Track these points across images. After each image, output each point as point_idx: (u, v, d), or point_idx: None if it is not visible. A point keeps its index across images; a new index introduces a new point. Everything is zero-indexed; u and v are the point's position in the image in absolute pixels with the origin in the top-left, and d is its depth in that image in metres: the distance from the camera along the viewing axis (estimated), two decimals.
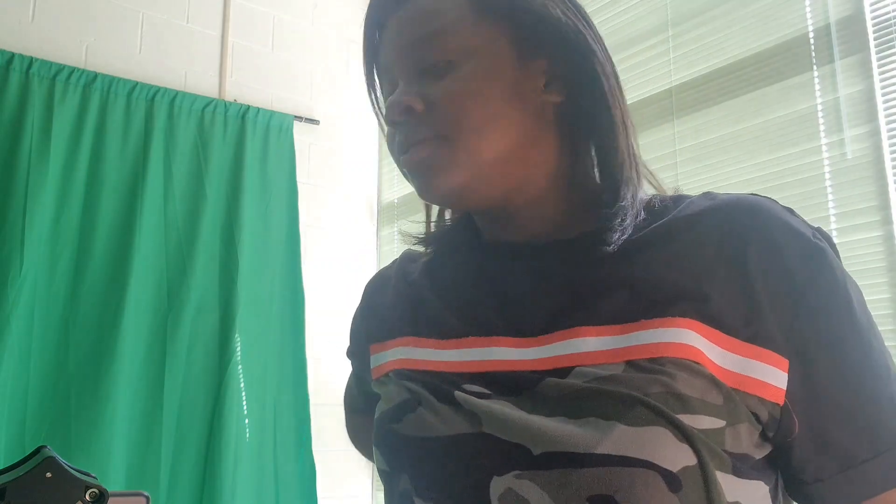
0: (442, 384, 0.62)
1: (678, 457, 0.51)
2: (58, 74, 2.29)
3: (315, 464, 2.51)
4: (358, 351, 0.81)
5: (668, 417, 0.51)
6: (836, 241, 1.59)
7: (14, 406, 2.06)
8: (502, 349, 0.61)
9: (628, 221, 0.61)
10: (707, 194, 0.63)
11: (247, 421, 2.41)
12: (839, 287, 0.56)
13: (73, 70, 2.31)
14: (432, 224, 0.77)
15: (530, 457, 0.54)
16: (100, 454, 2.11)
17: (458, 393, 0.60)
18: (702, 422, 0.52)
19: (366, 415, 0.87)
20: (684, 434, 0.51)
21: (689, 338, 0.54)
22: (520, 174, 0.64)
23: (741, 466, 0.54)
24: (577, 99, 0.65)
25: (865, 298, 0.58)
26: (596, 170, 0.68)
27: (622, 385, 0.53)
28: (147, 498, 0.62)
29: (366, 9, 0.70)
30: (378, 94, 0.72)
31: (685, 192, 0.66)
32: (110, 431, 2.13)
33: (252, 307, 2.47)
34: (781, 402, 0.54)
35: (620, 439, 0.51)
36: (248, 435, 2.40)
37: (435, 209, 0.78)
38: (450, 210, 0.77)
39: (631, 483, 0.50)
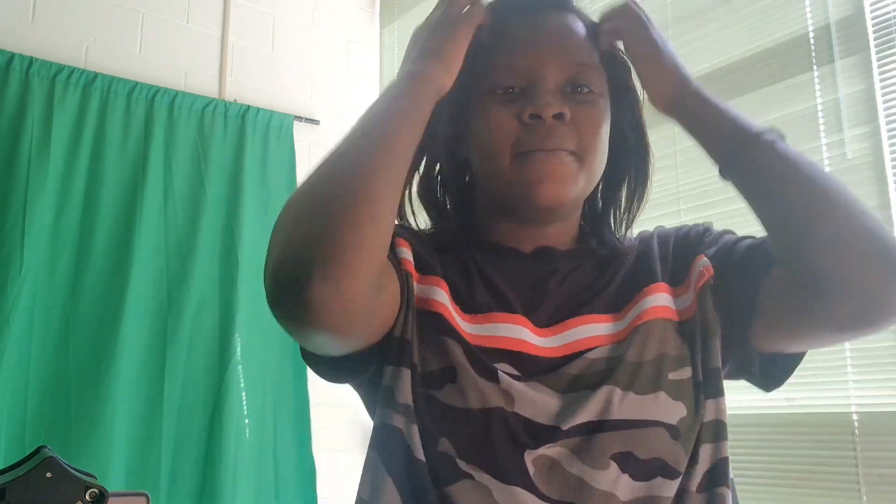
0: (482, 358, 0.68)
1: (675, 412, 0.67)
2: (58, 74, 2.29)
3: (315, 464, 2.51)
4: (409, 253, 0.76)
5: (665, 384, 0.68)
6: None
7: (14, 406, 2.06)
8: (526, 331, 0.71)
9: (626, 243, 0.81)
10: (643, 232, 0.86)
11: (247, 421, 2.41)
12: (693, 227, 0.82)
13: (73, 70, 2.31)
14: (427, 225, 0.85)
15: (560, 432, 0.65)
16: (100, 454, 2.10)
17: (500, 373, 0.67)
18: (684, 373, 0.69)
19: None
20: (677, 394, 0.68)
21: (662, 299, 0.73)
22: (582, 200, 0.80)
23: (711, 386, 0.70)
24: (620, 160, 0.82)
25: None
26: (613, 206, 0.84)
27: (630, 359, 0.68)
28: (147, 498, 0.62)
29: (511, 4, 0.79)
30: (472, 69, 0.77)
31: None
32: (110, 431, 2.13)
33: (252, 307, 2.47)
34: (712, 277, 0.73)
35: (633, 406, 0.66)
36: (248, 435, 2.40)
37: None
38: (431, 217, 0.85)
39: (645, 439, 0.66)
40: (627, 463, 0.65)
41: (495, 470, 0.64)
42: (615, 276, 0.77)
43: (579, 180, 0.74)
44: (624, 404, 0.66)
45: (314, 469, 2.50)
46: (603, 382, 0.67)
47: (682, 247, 0.78)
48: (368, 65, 3.11)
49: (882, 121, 1.56)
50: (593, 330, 0.71)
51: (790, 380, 0.76)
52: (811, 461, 1.57)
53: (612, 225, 0.83)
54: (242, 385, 2.41)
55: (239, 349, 2.42)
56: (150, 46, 2.55)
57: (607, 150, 0.77)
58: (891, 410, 1.47)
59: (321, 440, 2.54)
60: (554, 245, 0.79)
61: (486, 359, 0.68)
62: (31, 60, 2.25)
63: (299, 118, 2.77)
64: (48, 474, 0.56)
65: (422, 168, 0.82)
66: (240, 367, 2.41)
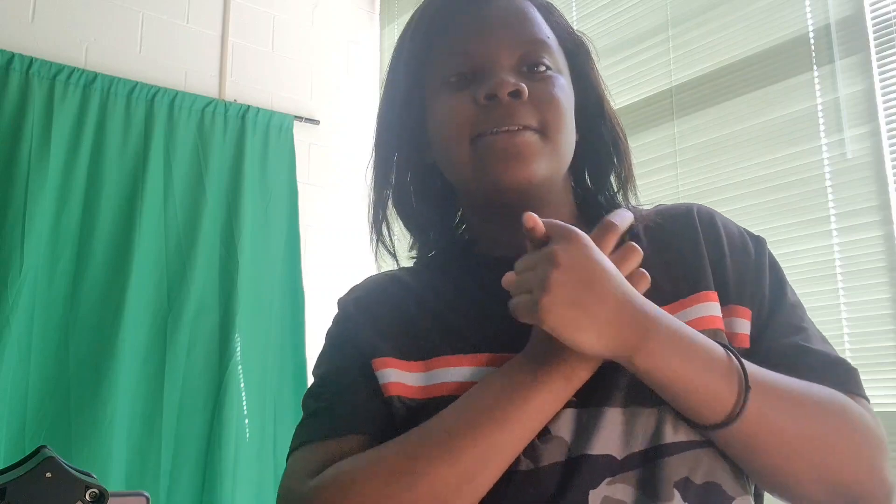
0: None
1: None
2: (58, 74, 2.29)
3: None
4: (357, 362, 0.73)
5: None
6: (836, 240, 1.59)
7: (14, 406, 2.06)
8: None
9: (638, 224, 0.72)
10: (661, 206, 0.77)
11: (247, 421, 2.41)
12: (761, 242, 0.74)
13: (73, 70, 2.31)
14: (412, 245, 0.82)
15: (616, 462, 0.60)
16: (100, 454, 2.10)
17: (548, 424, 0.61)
18: None
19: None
20: None
21: (713, 309, 0.66)
22: (560, 181, 0.74)
23: None
24: (590, 139, 0.76)
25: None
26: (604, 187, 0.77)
27: None
28: (147, 498, 0.62)
29: None
30: (414, 61, 0.74)
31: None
32: (110, 431, 2.13)
33: (252, 307, 2.47)
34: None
35: (685, 426, 0.61)
36: (248, 435, 2.40)
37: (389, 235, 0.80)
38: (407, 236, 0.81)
39: (700, 461, 0.61)
40: (687, 490, 0.60)
41: None
42: (654, 262, 0.67)
43: (546, 158, 0.68)
44: (680, 423, 0.61)
45: None
46: (652, 395, 0.61)
47: (751, 270, 0.70)
48: (368, 65, 3.11)
49: (882, 121, 1.56)
50: None
51: None
52: None
53: (608, 203, 0.77)
54: (242, 385, 2.41)
55: (239, 349, 2.42)
56: (150, 46, 2.55)
57: (574, 129, 0.73)
58: (891, 410, 1.47)
59: None
60: None
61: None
62: (31, 60, 2.24)
63: (299, 118, 2.77)
64: (48, 474, 0.55)
65: (393, 181, 0.78)
66: (240, 367, 2.41)
